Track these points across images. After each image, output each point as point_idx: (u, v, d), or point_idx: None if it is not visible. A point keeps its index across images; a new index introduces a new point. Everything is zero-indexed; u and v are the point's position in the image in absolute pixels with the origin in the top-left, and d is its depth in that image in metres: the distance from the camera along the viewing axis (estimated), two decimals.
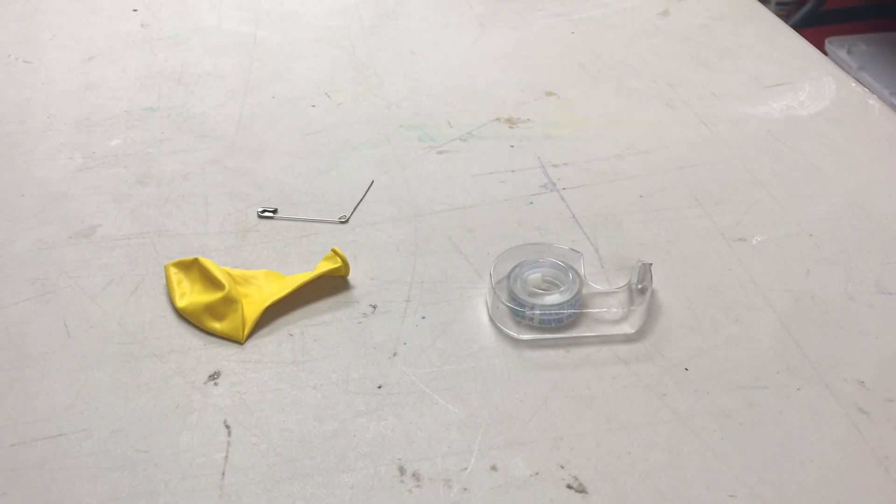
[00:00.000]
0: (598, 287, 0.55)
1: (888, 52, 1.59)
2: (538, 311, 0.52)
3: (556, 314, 0.52)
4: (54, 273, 0.56)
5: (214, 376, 0.49)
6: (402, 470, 0.44)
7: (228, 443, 0.46)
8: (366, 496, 0.43)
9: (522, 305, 0.52)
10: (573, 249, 0.56)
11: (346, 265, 0.55)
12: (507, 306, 0.52)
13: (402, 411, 0.47)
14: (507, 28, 0.90)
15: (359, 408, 0.47)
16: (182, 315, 0.53)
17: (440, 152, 0.69)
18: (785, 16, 1.81)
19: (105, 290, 0.55)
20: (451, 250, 0.59)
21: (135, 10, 0.91)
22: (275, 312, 0.53)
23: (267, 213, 0.60)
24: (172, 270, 0.55)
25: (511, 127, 0.73)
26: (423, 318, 0.53)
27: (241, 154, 0.69)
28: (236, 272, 0.55)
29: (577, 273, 0.54)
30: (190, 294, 0.54)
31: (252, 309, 0.52)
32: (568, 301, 0.53)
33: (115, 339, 0.52)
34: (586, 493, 0.43)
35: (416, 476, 0.44)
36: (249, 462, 0.44)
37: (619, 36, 0.88)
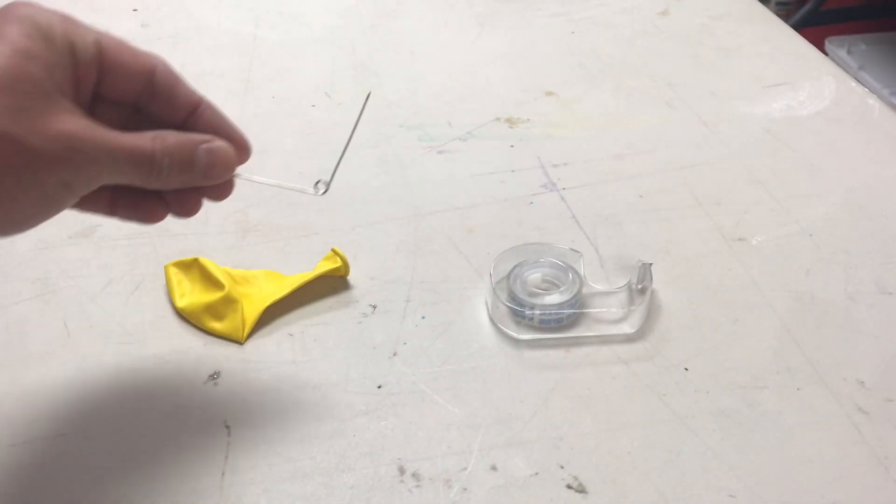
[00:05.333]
0: (598, 287, 0.55)
1: (888, 51, 1.59)
2: (538, 311, 0.52)
3: (556, 314, 0.52)
4: (54, 273, 0.56)
5: (214, 376, 0.49)
6: (402, 470, 0.44)
7: (228, 443, 0.46)
8: (366, 496, 0.43)
9: (522, 305, 0.52)
10: (573, 249, 0.56)
11: (346, 265, 0.55)
12: (507, 306, 0.52)
13: (402, 411, 0.47)
14: (506, 28, 0.90)
15: (359, 408, 0.47)
16: (182, 315, 0.53)
17: (440, 152, 0.69)
18: (785, 15, 1.81)
19: (105, 290, 0.55)
20: (451, 250, 0.59)
21: (135, 10, 0.91)
22: (275, 312, 0.53)
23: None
24: (172, 270, 0.55)
25: (511, 127, 0.73)
26: (423, 318, 0.53)
27: None
28: (236, 272, 0.55)
29: (577, 273, 0.54)
30: (190, 294, 0.54)
31: (252, 309, 0.52)
32: (568, 301, 0.53)
33: (115, 339, 0.52)
34: (586, 493, 0.43)
35: (416, 476, 0.44)
36: (249, 462, 0.44)
37: (619, 36, 0.88)
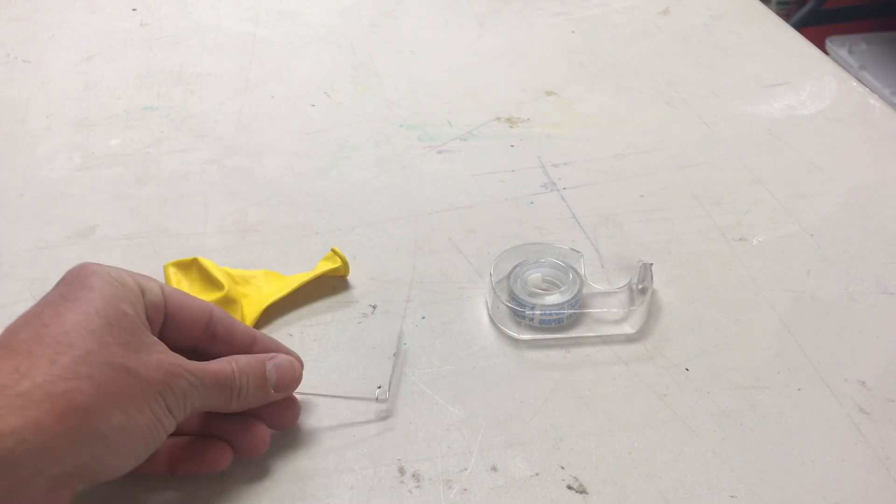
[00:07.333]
0: (599, 287, 0.55)
1: (889, 51, 1.59)
2: (538, 311, 0.52)
3: (556, 314, 0.52)
4: (54, 273, 0.56)
5: None
6: (402, 470, 0.44)
7: None
8: (366, 496, 0.43)
9: (522, 305, 0.52)
10: (573, 249, 0.56)
11: (345, 265, 0.55)
12: (507, 306, 0.52)
13: (402, 411, 0.47)
14: (507, 27, 0.89)
15: (359, 408, 0.47)
16: None
17: (440, 152, 0.69)
18: (786, 15, 1.81)
19: None
20: (451, 250, 0.59)
21: (134, 10, 0.91)
22: (275, 312, 0.53)
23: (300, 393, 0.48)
24: (172, 270, 0.55)
25: (511, 126, 0.73)
26: (423, 318, 0.53)
27: (240, 153, 0.69)
28: (236, 272, 0.55)
29: (577, 273, 0.54)
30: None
31: (252, 309, 0.52)
32: (568, 301, 0.52)
33: None
34: (586, 493, 0.43)
35: (416, 476, 0.44)
36: (249, 462, 0.44)
37: (620, 35, 0.88)
